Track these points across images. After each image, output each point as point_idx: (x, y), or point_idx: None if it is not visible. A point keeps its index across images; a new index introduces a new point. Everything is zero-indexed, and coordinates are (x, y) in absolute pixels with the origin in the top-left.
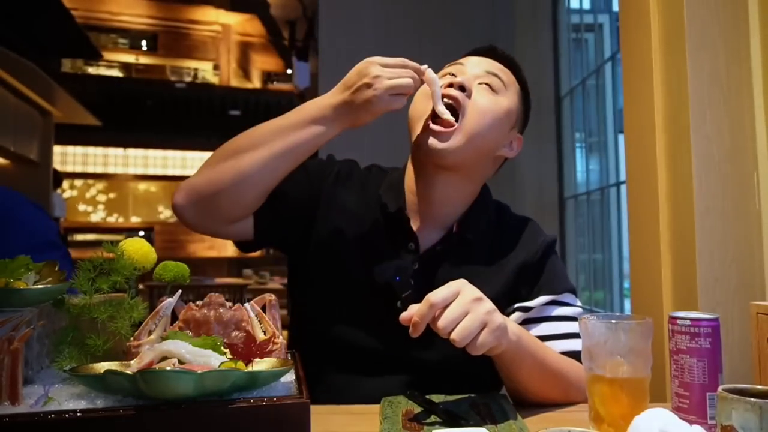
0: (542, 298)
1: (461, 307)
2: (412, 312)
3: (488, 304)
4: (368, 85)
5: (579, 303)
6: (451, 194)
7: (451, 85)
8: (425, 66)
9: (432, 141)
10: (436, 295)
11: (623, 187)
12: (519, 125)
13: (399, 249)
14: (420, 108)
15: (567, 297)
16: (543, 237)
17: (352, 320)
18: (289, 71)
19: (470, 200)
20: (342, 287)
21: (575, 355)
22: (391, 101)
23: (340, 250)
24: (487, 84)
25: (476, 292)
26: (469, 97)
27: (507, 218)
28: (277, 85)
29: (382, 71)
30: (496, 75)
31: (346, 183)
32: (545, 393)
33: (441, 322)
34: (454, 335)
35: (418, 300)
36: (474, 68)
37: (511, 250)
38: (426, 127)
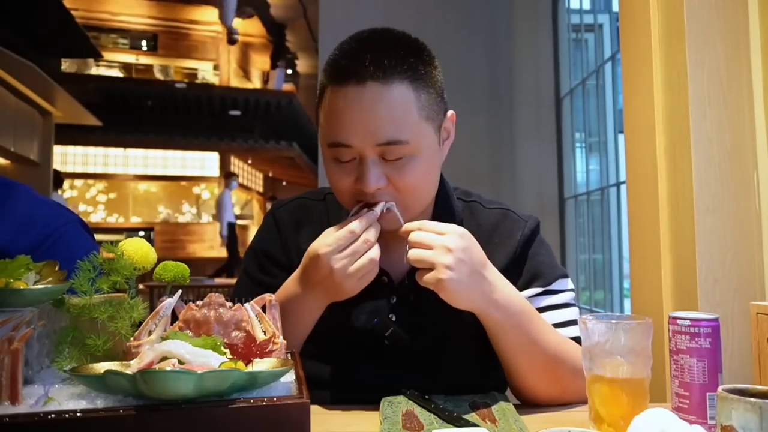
0: (531, 290)
1: (432, 241)
2: (408, 225)
3: (451, 260)
4: (332, 278)
5: (570, 286)
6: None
7: (363, 192)
8: (377, 209)
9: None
10: (431, 226)
11: (623, 187)
12: (440, 111)
13: (373, 283)
14: (340, 186)
15: (557, 284)
16: (521, 229)
17: (343, 361)
18: (289, 71)
19: (431, 210)
20: (328, 333)
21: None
22: (361, 283)
23: None
24: (390, 159)
25: (462, 254)
26: (384, 187)
27: (480, 219)
28: None
29: (339, 261)
30: (388, 143)
31: (301, 230)
32: (534, 375)
33: (411, 239)
34: (410, 254)
35: (405, 332)
36: (363, 142)
37: (491, 255)
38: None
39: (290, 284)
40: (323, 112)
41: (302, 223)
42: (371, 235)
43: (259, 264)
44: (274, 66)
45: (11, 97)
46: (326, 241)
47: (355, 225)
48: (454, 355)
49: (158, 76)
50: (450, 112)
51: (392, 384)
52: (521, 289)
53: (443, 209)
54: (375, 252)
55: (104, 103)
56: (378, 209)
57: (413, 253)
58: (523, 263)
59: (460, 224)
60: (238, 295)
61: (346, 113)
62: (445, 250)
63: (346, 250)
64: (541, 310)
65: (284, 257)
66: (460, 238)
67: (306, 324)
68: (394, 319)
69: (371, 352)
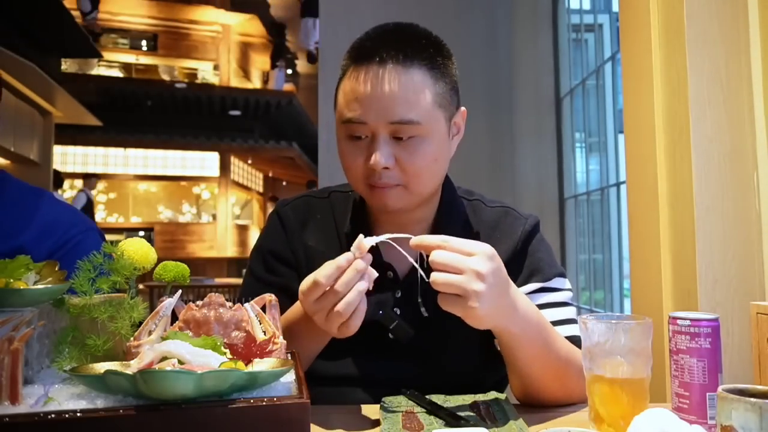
0: (529, 286)
1: (460, 264)
2: (429, 240)
3: (483, 288)
4: (323, 318)
5: (568, 286)
6: (416, 214)
7: (373, 170)
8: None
9: (383, 203)
10: (455, 244)
11: (623, 187)
12: (453, 103)
13: (379, 278)
14: (351, 164)
15: (555, 282)
16: (522, 226)
17: (347, 353)
18: (289, 71)
19: (436, 203)
20: None
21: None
22: (355, 324)
23: None
24: (400, 137)
25: (493, 279)
26: (392, 167)
27: (482, 216)
28: None
29: (315, 311)
30: (400, 122)
31: (306, 228)
32: (545, 382)
33: (435, 260)
34: (435, 277)
35: (410, 326)
36: (377, 118)
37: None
38: (369, 187)
39: (299, 306)
40: (342, 90)
41: (307, 221)
42: (341, 286)
43: (265, 263)
44: (274, 66)
45: (11, 97)
46: (305, 284)
47: (321, 276)
48: (457, 350)
49: (163, 76)
50: (462, 109)
51: (394, 377)
52: (520, 285)
53: (449, 208)
54: (350, 297)
55: (104, 103)
56: (353, 249)
57: (440, 278)
58: (524, 259)
59: (465, 223)
60: (245, 296)
61: (364, 90)
62: (475, 275)
63: (320, 300)
64: (539, 307)
65: (291, 254)
66: (489, 260)
67: (318, 342)
68: (398, 312)
69: (375, 345)
